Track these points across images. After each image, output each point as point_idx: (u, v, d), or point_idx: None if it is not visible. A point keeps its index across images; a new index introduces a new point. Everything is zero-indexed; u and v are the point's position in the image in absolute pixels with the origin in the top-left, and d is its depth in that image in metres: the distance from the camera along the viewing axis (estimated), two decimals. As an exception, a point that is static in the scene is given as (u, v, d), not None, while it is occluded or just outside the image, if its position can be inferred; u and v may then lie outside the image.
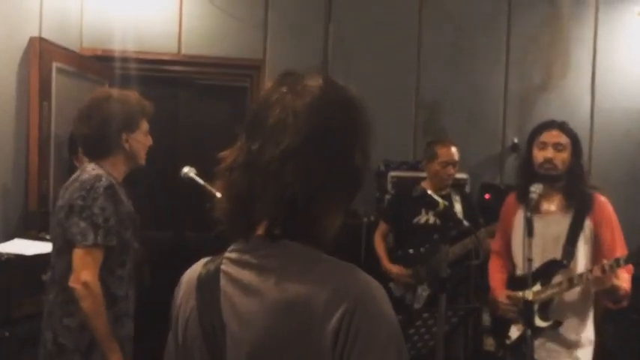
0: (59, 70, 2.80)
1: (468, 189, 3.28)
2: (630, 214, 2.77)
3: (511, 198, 2.19)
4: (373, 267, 2.85)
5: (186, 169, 1.97)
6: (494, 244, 2.30)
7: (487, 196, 3.35)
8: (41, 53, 2.66)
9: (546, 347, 2.00)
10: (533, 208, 1.91)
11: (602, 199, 2.03)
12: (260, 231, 0.80)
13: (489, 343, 2.86)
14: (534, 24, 3.67)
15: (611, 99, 3.68)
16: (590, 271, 1.88)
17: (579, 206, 2.00)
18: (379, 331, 0.74)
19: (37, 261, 2.06)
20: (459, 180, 3.15)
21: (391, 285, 2.84)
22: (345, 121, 0.80)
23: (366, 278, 0.77)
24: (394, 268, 2.82)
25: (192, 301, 0.82)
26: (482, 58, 3.63)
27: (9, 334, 1.98)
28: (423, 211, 2.81)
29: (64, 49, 2.91)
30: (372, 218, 3.12)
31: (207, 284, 0.81)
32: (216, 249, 0.87)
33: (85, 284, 1.59)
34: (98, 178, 1.67)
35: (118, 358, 1.64)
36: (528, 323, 1.87)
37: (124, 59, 3.17)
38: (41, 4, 2.79)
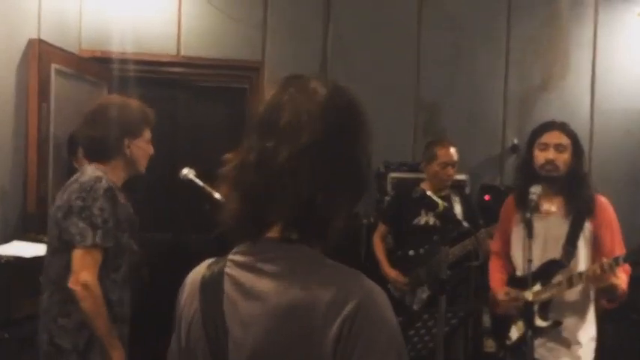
0: (58, 72, 2.80)
1: (467, 190, 3.27)
2: (630, 215, 2.77)
3: (511, 199, 2.19)
4: (373, 268, 2.85)
5: (185, 171, 1.98)
6: (494, 245, 2.30)
7: (487, 197, 3.35)
8: (40, 55, 2.67)
9: (547, 347, 2.00)
10: (533, 209, 1.91)
11: (602, 200, 2.03)
12: (270, 233, 0.80)
13: (489, 345, 2.86)
14: (534, 25, 3.67)
15: (610, 99, 3.68)
16: (589, 269, 1.89)
17: (580, 207, 2.00)
18: (380, 336, 0.74)
19: (36, 263, 2.05)
20: (458, 181, 3.15)
21: (390, 286, 2.84)
22: (353, 122, 0.82)
23: (369, 284, 0.78)
24: (392, 273, 2.82)
25: (195, 303, 0.83)
26: (481, 59, 3.63)
27: (8, 335, 1.99)
28: (423, 213, 2.80)
29: (63, 50, 2.91)
30: (372, 220, 3.12)
31: (211, 286, 0.81)
32: (215, 251, 0.87)
33: (85, 285, 1.60)
34: (98, 179, 1.68)
35: (120, 355, 1.65)
36: (529, 323, 1.87)
37: (123, 61, 3.17)
38: (40, 5, 2.79)
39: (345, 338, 0.73)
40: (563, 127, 2.02)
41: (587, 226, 1.99)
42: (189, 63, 3.43)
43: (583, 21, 3.69)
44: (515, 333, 2.07)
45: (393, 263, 2.88)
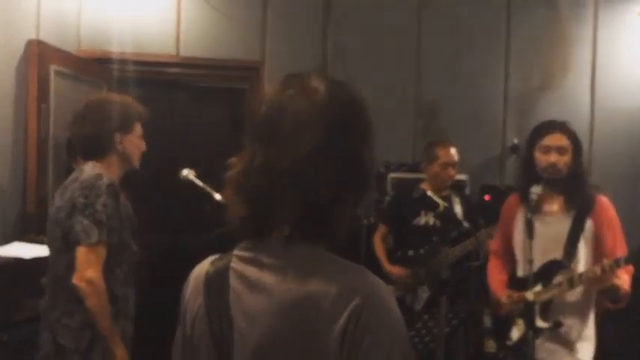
0: (57, 73, 2.80)
1: (467, 190, 3.27)
2: (630, 214, 2.76)
3: (511, 199, 2.19)
4: (373, 269, 2.83)
5: (185, 172, 1.98)
6: (494, 245, 2.29)
7: (487, 197, 3.34)
8: (39, 56, 2.66)
9: (547, 347, 1.99)
10: (534, 209, 1.91)
11: (603, 199, 2.03)
12: (275, 233, 0.81)
13: (490, 345, 2.85)
14: (534, 25, 3.66)
15: (611, 99, 3.68)
16: (590, 270, 1.89)
17: (580, 207, 2.00)
18: (386, 329, 0.75)
19: (36, 264, 2.05)
20: (458, 181, 3.14)
21: (391, 287, 2.83)
22: (355, 120, 0.82)
23: (374, 278, 0.79)
24: (394, 270, 2.82)
25: (200, 297, 0.83)
26: (481, 59, 3.63)
27: (8, 337, 1.98)
28: (423, 213, 2.80)
29: (62, 51, 2.91)
30: (372, 220, 3.12)
31: (216, 281, 0.82)
32: (214, 251, 0.88)
33: (90, 282, 1.60)
34: (99, 176, 1.68)
35: (122, 352, 1.65)
36: (530, 324, 1.86)
37: (122, 61, 3.17)
38: (39, 6, 2.79)
39: (352, 332, 0.73)
40: (564, 129, 2.02)
41: (588, 226, 1.99)
42: (189, 63, 3.43)
43: (583, 20, 3.69)
44: (515, 333, 2.07)
45: (393, 264, 2.87)
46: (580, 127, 2.50)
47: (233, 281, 0.81)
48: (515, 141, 3.54)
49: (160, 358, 0.89)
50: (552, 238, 2.00)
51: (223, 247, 0.86)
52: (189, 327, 0.84)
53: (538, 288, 1.97)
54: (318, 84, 0.81)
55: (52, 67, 2.76)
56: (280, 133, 0.78)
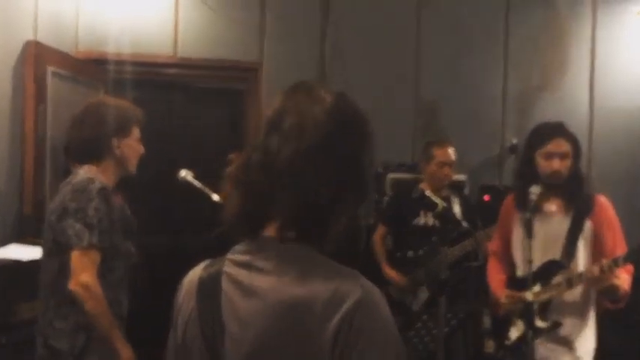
0: (54, 74, 2.79)
1: (466, 190, 3.28)
2: (629, 213, 2.76)
3: (510, 198, 2.19)
4: (372, 269, 2.84)
5: (183, 172, 1.99)
6: (493, 245, 2.30)
7: (486, 197, 3.35)
8: (36, 57, 2.66)
9: (547, 347, 1.99)
10: (533, 209, 1.91)
11: (602, 200, 2.04)
12: (268, 232, 0.81)
13: (489, 345, 2.85)
14: (532, 25, 3.67)
15: (609, 98, 3.69)
16: (589, 270, 1.89)
17: (579, 207, 2.00)
18: (379, 333, 0.75)
19: (34, 266, 2.04)
20: (457, 181, 3.15)
21: (389, 287, 2.83)
22: (357, 129, 0.84)
23: (366, 282, 0.79)
24: (392, 274, 2.82)
25: (192, 301, 0.83)
26: (480, 60, 3.63)
27: (6, 339, 1.98)
28: (422, 213, 2.81)
29: (60, 52, 2.90)
30: (371, 220, 3.12)
31: (209, 285, 0.82)
32: (213, 251, 0.88)
33: (86, 286, 1.59)
34: (91, 180, 1.68)
35: (128, 352, 1.65)
36: (529, 324, 1.86)
37: (120, 62, 3.16)
38: (36, 7, 2.79)
39: (345, 335, 0.74)
40: (565, 133, 2.02)
41: (588, 226, 2.00)
42: (186, 64, 3.42)
43: (582, 20, 3.70)
44: (514, 333, 2.07)
45: (393, 264, 2.88)
46: (579, 126, 2.51)
47: (225, 285, 0.81)
48: (514, 141, 3.54)
49: (158, 359, 0.89)
50: (551, 238, 2.00)
51: (222, 247, 0.86)
52: (181, 331, 0.84)
53: (537, 288, 1.97)
54: (324, 93, 0.84)
55: (50, 68, 2.75)
56: (282, 131, 0.80)
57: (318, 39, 3.53)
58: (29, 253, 2.15)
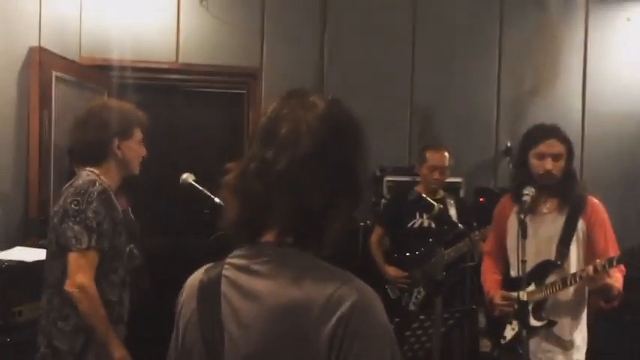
0: (59, 79, 2.82)
1: (462, 193, 3.32)
2: (621, 216, 2.81)
3: (505, 200, 2.21)
4: (370, 271, 2.88)
5: (185, 176, 1.99)
6: (487, 245, 2.33)
7: (482, 199, 3.39)
8: (41, 62, 2.69)
9: (541, 347, 2.02)
10: (527, 210, 1.92)
11: (594, 201, 2.06)
12: (266, 237, 0.83)
13: (485, 345, 2.89)
14: (526, 30, 3.73)
15: (601, 103, 3.74)
16: (583, 270, 1.91)
17: (572, 208, 2.03)
18: (374, 335, 0.77)
19: (38, 267, 2.07)
20: (453, 184, 3.19)
21: (387, 287, 2.87)
22: (351, 134, 0.85)
23: (362, 285, 0.80)
24: (391, 271, 2.86)
25: (192, 304, 0.85)
26: (474, 64, 3.69)
27: (10, 339, 1.99)
28: (418, 215, 2.85)
29: (64, 58, 2.93)
30: (369, 222, 3.16)
31: (208, 288, 0.84)
32: (214, 253, 0.90)
33: (81, 287, 1.61)
34: (92, 183, 1.69)
35: (122, 354, 1.66)
36: (523, 323, 1.89)
37: (123, 68, 3.20)
38: (40, 13, 2.82)
39: (340, 338, 0.75)
40: (558, 134, 2.04)
41: (580, 226, 2.02)
42: (188, 70, 3.46)
43: (574, 26, 3.76)
44: (509, 332, 2.09)
45: (390, 265, 2.91)
46: (571, 130, 2.55)
47: (225, 288, 0.82)
48: (509, 144, 3.59)
49: (160, 360, 0.92)
50: (545, 238, 2.03)
51: (223, 249, 0.88)
52: (181, 334, 0.86)
53: (531, 288, 2.00)
54: (317, 100, 0.85)
55: (54, 74, 2.78)
56: (278, 139, 0.81)
57: (317, 45, 3.58)
58: (33, 254, 2.19)
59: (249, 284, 0.81)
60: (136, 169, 1.85)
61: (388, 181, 3.33)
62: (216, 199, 1.87)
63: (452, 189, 3.11)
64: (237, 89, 3.69)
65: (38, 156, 2.68)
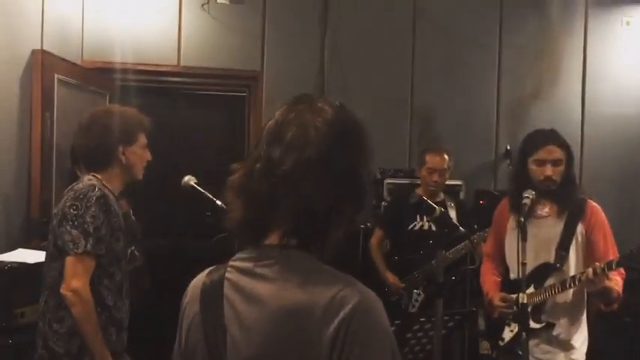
0: (61, 82, 2.84)
1: (462, 195, 3.33)
2: (620, 219, 2.82)
3: (504, 202, 2.22)
4: (370, 273, 2.89)
5: (186, 178, 1.99)
6: (487, 248, 2.33)
7: (482, 202, 3.41)
8: (43, 65, 2.70)
9: (540, 349, 2.03)
10: (526, 213, 1.93)
11: (594, 204, 2.07)
12: (270, 239, 0.84)
13: (485, 347, 2.89)
14: (525, 33, 3.74)
15: (601, 106, 3.75)
16: (582, 272, 1.91)
17: (572, 211, 2.03)
18: (375, 338, 0.77)
19: (40, 269, 2.08)
20: (453, 186, 3.21)
21: (387, 290, 2.87)
22: (356, 140, 0.86)
23: (364, 289, 0.81)
24: (390, 278, 2.86)
25: (195, 306, 0.86)
26: (474, 68, 3.70)
27: (12, 341, 1.99)
28: (418, 217, 2.86)
29: (66, 61, 2.95)
30: (369, 225, 3.17)
31: (211, 290, 0.84)
32: (214, 255, 0.91)
33: (75, 291, 1.61)
34: (92, 187, 1.70)
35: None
36: (523, 326, 1.89)
37: (124, 71, 3.21)
38: (43, 17, 2.84)
39: (342, 341, 0.76)
40: (557, 140, 2.04)
41: (580, 229, 2.03)
42: (189, 72, 3.47)
43: (573, 30, 3.77)
44: (508, 334, 2.10)
45: (390, 268, 2.92)
46: (571, 133, 2.58)
47: (228, 291, 0.83)
48: (508, 147, 3.60)
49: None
50: (544, 241, 2.03)
51: (223, 251, 0.89)
52: (184, 335, 0.87)
53: (530, 290, 2.01)
54: (325, 105, 0.86)
55: (56, 77, 2.80)
56: (285, 141, 0.82)
57: (317, 48, 3.60)
58: (35, 256, 2.19)
59: (251, 287, 0.81)
60: (139, 173, 1.86)
61: (388, 183, 3.34)
62: (218, 202, 1.88)
63: (452, 191, 3.12)
64: (238, 92, 3.71)
65: (40, 158, 2.70)
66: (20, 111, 2.67)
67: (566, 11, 3.76)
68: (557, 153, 2.02)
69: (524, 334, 1.86)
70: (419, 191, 2.86)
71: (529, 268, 1.96)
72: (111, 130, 1.77)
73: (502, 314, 2.09)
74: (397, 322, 2.12)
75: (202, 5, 3.44)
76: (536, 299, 2.01)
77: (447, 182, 2.95)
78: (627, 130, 3.76)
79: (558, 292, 1.98)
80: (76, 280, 1.62)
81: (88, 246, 1.63)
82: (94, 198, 1.67)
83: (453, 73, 3.67)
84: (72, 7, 3.20)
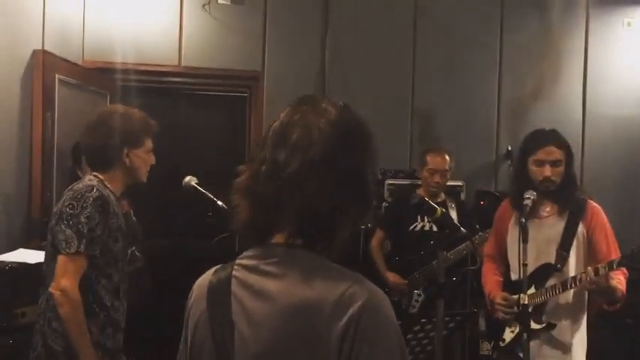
0: (62, 82, 2.85)
1: (463, 196, 3.33)
2: (621, 220, 2.81)
3: (505, 203, 2.22)
4: (370, 273, 2.89)
5: (187, 179, 1.99)
6: (488, 248, 2.33)
7: (482, 202, 3.41)
8: (44, 65, 2.71)
9: (541, 349, 2.03)
10: (527, 214, 1.93)
11: (594, 205, 2.07)
12: (276, 239, 0.84)
13: (485, 348, 2.90)
14: (526, 34, 3.74)
15: (602, 106, 3.75)
16: (583, 273, 1.91)
17: (572, 212, 2.03)
18: (384, 336, 0.78)
19: (40, 269, 2.08)
20: (454, 187, 3.20)
21: (387, 290, 2.87)
22: (361, 140, 0.86)
23: (372, 286, 0.81)
24: (391, 277, 2.86)
25: (202, 304, 0.86)
26: (475, 68, 3.70)
27: (12, 341, 2.00)
28: (419, 218, 2.86)
29: (67, 61, 2.96)
30: (370, 226, 3.17)
31: (218, 289, 0.85)
32: (215, 255, 0.91)
33: (64, 290, 1.61)
34: (90, 188, 1.69)
35: None
36: (523, 326, 1.89)
37: (125, 71, 3.22)
38: (44, 17, 2.84)
39: (351, 338, 0.76)
40: (556, 140, 2.04)
41: (580, 230, 2.03)
42: (190, 73, 3.48)
43: (574, 30, 3.78)
44: (508, 335, 2.10)
45: (391, 268, 2.92)
46: (571, 134, 2.58)
47: (235, 288, 0.83)
48: (509, 147, 3.61)
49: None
50: (545, 242, 2.04)
51: (224, 251, 0.90)
52: (191, 333, 0.87)
53: (531, 291, 2.00)
54: (329, 106, 0.86)
55: (57, 77, 2.81)
56: (290, 143, 0.82)
57: (318, 48, 3.60)
58: (36, 256, 2.19)
59: (259, 284, 0.82)
60: (143, 177, 1.85)
61: (389, 184, 3.34)
62: (219, 202, 1.88)
63: (453, 192, 3.12)
64: (238, 92, 3.71)
65: (41, 158, 2.71)
66: (21, 111, 2.67)
67: (568, 12, 3.77)
68: (557, 154, 2.02)
69: (525, 335, 1.86)
70: (420, 192, 2.86)
71: (530, 268, 1.96)
72: (117, 132, 1.77)
73: (503, 315, 2.08)
74: (398, 322, 2.12)
75: (203, 5, 3.44)
76: (537, 300, 2.01)
77: (448, 183, 2.94)
78: (628, 130, 3.76)
79: (559, 292, 1.98)
80: (65, 279, 1.62)
81: (81, 246, 1.63)
82: (91, 199, 1.66)
83: (454, 73, 3.67)
84: (73, 8, 3.20)
